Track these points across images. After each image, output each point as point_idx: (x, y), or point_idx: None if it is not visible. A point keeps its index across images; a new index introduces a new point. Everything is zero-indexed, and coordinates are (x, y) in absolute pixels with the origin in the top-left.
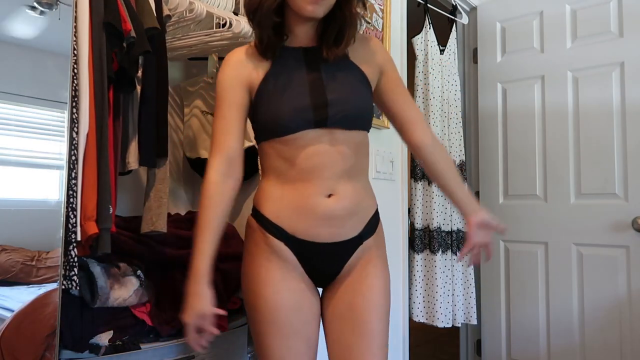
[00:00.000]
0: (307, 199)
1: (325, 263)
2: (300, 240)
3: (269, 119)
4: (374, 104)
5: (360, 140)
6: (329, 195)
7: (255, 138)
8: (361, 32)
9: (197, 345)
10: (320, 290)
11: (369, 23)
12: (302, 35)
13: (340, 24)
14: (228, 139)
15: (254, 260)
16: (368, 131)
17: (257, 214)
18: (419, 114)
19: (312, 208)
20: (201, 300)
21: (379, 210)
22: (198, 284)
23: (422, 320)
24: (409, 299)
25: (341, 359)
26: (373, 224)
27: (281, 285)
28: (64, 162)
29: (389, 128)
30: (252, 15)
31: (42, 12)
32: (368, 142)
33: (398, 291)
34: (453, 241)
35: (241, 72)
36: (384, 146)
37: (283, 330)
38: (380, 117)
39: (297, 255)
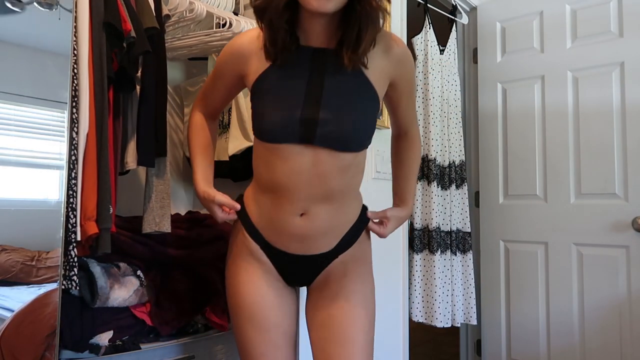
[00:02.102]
0: (279, 214)
1: (298, 272)
2: (274, 248)
3: (257, 119)
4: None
5: (350, 162)
6: (302, 214)
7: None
8: (383, 28)
9: (224, 218)
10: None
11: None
12: (314, 34)
13: (360, 22)
14: (211, 102)
15: (235, 262)
16: (366, 147)
17: (243, 212)
18: (411, 120)
19: (284, 225)
20: (211, 193)
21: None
22: (203, 187)
23: (421, 320)
24: (408, 299)
25: None
26: (351, 237)
27: (260, 283)
28: (64, 162)
29: (389, 128)
30: (261, 14)
31: (42, 12)
32: (363, 160)
33: (398, 291)
34: (452, 241)
35: (240, 61)
36: (384, 146)
37: (262, 324)
38: (380, 117)
39: (271, 260)
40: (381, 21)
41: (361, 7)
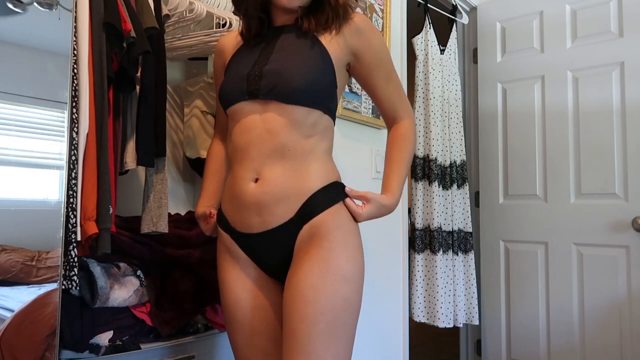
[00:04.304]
0: (237, 184)
1: (267, 255)
2: (239, 233)
3: (219, 90)
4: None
5: (302, 119)
6: (256, 180)
7: None
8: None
9: (208, 228)
10: None
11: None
12: (279, 22)
13: (326, 15)
14: (221, 118)
15: (218, 262)
16: (324, 111)
17: (219, 209)
18: (397, 105)
19: (241, 195)
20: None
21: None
22: (197, 209)
23: (422, 320)
24: (410, 299)
25: None
26: (311, 207)
27: (236, 285)
28: (64, 162)
29: None
30: (238, 5)
31: (42, 12)
32: (324, 124)
33: (398, 291)
34: (454, 241)
35: (221, 58)
36: (384, 146)
37: (244, 329)
38: (380, 117)
39: (243, 249)
40: (347, 16)
41: (330, 6)
